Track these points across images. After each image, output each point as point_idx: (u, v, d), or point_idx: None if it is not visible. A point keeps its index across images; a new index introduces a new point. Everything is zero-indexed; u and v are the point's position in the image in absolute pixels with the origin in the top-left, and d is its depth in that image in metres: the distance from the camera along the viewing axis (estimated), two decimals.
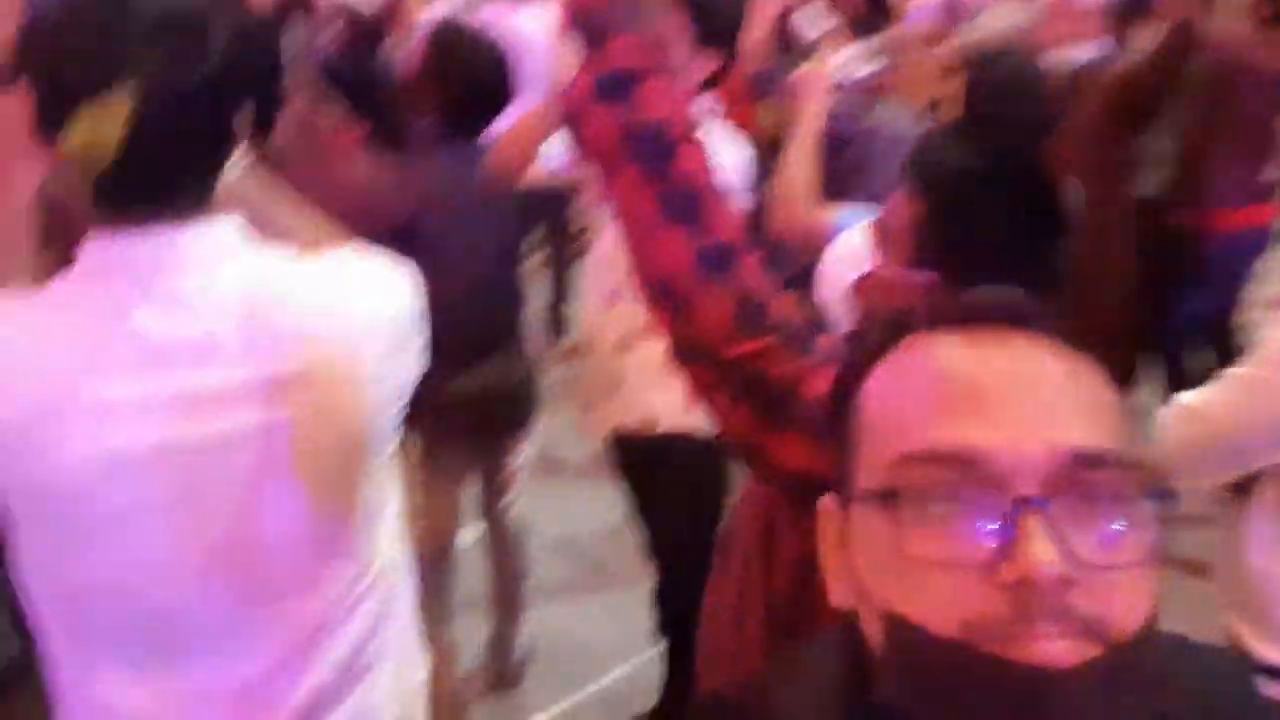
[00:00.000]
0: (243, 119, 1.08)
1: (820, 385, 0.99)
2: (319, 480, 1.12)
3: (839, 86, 2.38)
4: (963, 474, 0.55)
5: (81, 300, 1.04)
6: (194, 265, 1.05)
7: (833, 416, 0.65)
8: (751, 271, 1.00)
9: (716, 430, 1.06)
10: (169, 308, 1.03)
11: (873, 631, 0.58)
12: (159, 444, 1.03)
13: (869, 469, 0.59)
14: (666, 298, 0.99)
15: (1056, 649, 0.52)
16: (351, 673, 1.25)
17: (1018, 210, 1.06)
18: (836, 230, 1.89)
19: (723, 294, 0.97)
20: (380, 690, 1.30)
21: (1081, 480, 0.55)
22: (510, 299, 2.61)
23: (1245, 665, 0.79)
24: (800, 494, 1.02)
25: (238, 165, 1.35)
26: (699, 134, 1.03)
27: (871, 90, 2.60)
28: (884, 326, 0.64)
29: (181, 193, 1.05)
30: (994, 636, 0.52)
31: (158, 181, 1.03)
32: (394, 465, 1.28)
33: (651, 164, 0.98)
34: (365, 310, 1.14)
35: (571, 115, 1.01)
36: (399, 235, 1.64)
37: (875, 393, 0.61)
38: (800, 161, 2.10)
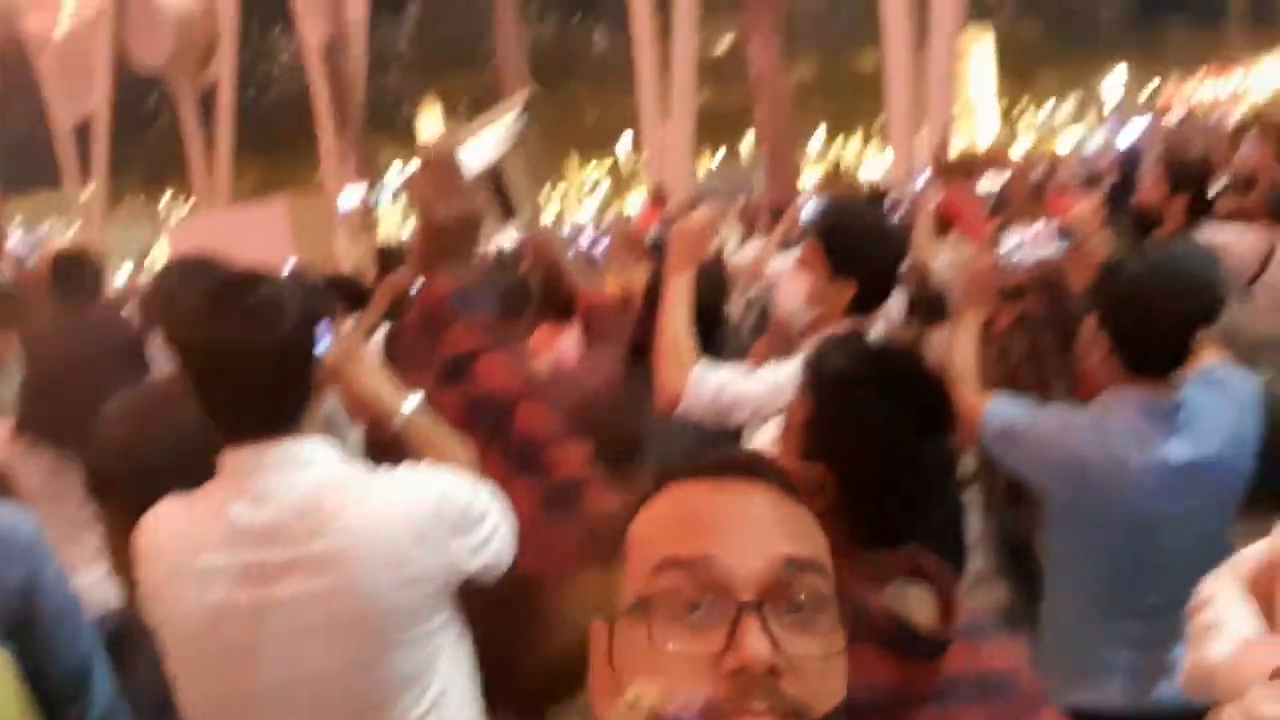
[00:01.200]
0: (315, 368, 1.51)
1: None
2: (349, 641, 1.43)
3: (1010, 267, 2.33)
4: (699, 578, 0.71)
5: (208, 495, 1.49)
6: (278, 471, 1.46)
7: (607, 556, 0.81)
8: (600, 500, 1.16)
9: None
10: (255, 501, 1.44)
11: None
12: (233, 603, 1.42)
13: (630, 584, 0.75)
14: (523, 538, 1.17)
15: None
16: None
17: (898, 411, 1.13)
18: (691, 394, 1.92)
19: (570, 525, 1.14)
20: None
21: (791, 584, 0.71)
22: None
23: None
24: None
25: (415, 404, 1.80)
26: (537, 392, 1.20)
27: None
28: (649, 480, 0.81)
29: (274, 420, 1.48)
30: (718, 715, 0.67)
31: (255, 413, 1.47)
32: (448, 645, 1.55)
33: (494, 428, 1.17)
34: (402, 510, 1.46)
35: (427, 398, 1.23)
36: None
37: (639, 527, 0.78)
38: (674, 323, 2.06)
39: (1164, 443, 1.85)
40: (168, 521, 1.52)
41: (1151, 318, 1.86)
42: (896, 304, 3.81)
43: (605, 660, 0.75)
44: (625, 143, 32.38)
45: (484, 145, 1.33)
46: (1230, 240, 4.13)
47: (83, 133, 28.40)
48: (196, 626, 1.45)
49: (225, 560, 1.44)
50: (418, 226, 1.27)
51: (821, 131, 34.60)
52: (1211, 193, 4.86)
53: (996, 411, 1.97)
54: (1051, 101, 37.47)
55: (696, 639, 0.69)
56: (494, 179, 1.36)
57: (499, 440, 1.19)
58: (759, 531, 0.74)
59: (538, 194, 1.41)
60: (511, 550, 1.59)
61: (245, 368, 1.44)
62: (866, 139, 34.15)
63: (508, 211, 1.39)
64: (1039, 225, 2.36)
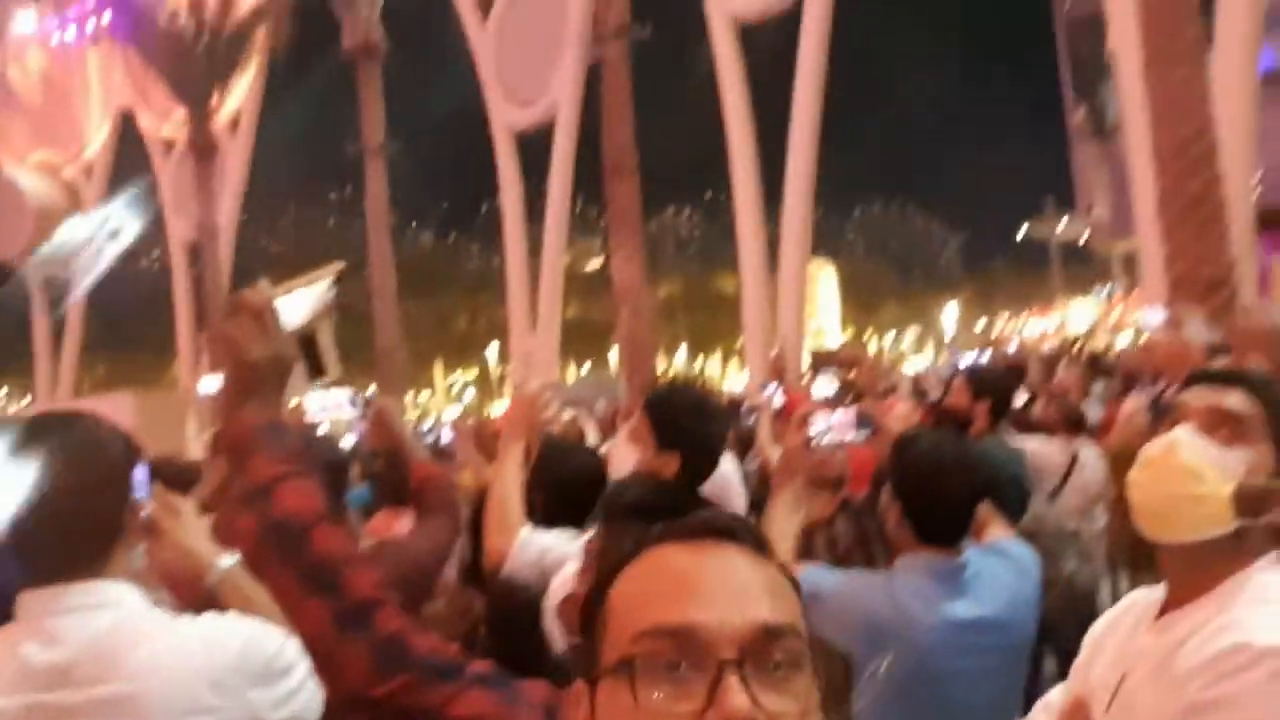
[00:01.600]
0: (131, 511, 1.51)
1: (472, 704, 1.15)
2: None
3: (818, 447, 2.49)
4: (681, 643, 0.74)
5: (6, 636, 1.43)
6: (74, 612, 1.42)
7: (585, 616, 0.83)
8: (390, 620, 1.18)
9: None
10: (47, 642, 1.40)
11: None
12: None
13: (613, 646, 0.77)
14: (315, 659, 1.19)
15: None
16: None
17: None
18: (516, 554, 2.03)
19: (361, 645, 1.15)
20: None
21: (768, 647, 0.75)
22: None
23: None
24: None
25: (231, 561, 1.79)
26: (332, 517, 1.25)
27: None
28: (631, 541, 0.84)
29: (79, 561, 1.45)
30: None
31: (60, 552, 1.44)
32: None
33: (289, 550, 1.19)
34: (201, 656, 1.44)
35: (221, 525, 1.25)
36: None
37: (621, 590, 0.80)
38: (504, 486, 2.22)
39: (950, 602, 1.98)
40: None
41: (936, 488, 2.04)
42: (739, 500, 3.95)
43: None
44: (493, 352, 32.93)
45: (295, 304, 1.40)
46: (1037, 447, 4.54)
47: None
48: None
49: (9, 702, 1.37)
50: (227, 368, 1.28)
51: (684, 350, 36.04)
52: (1018, 403, 5.38)
53: (803, 579, 2.08)
54: (894, 332, 40.32)
55: (679, 696, 0.73)
56: (304, 341, 1.43)
57: (293, 563, 1.19)
58: (738, 593, 0.77)
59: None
60: (319, 707, 1.57)
61: (54, 505, 1.43)
62: (727, 357, 35.78)
63: (317, 371, 1.47)
64: (843, 412, 2.56)
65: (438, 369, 34.73)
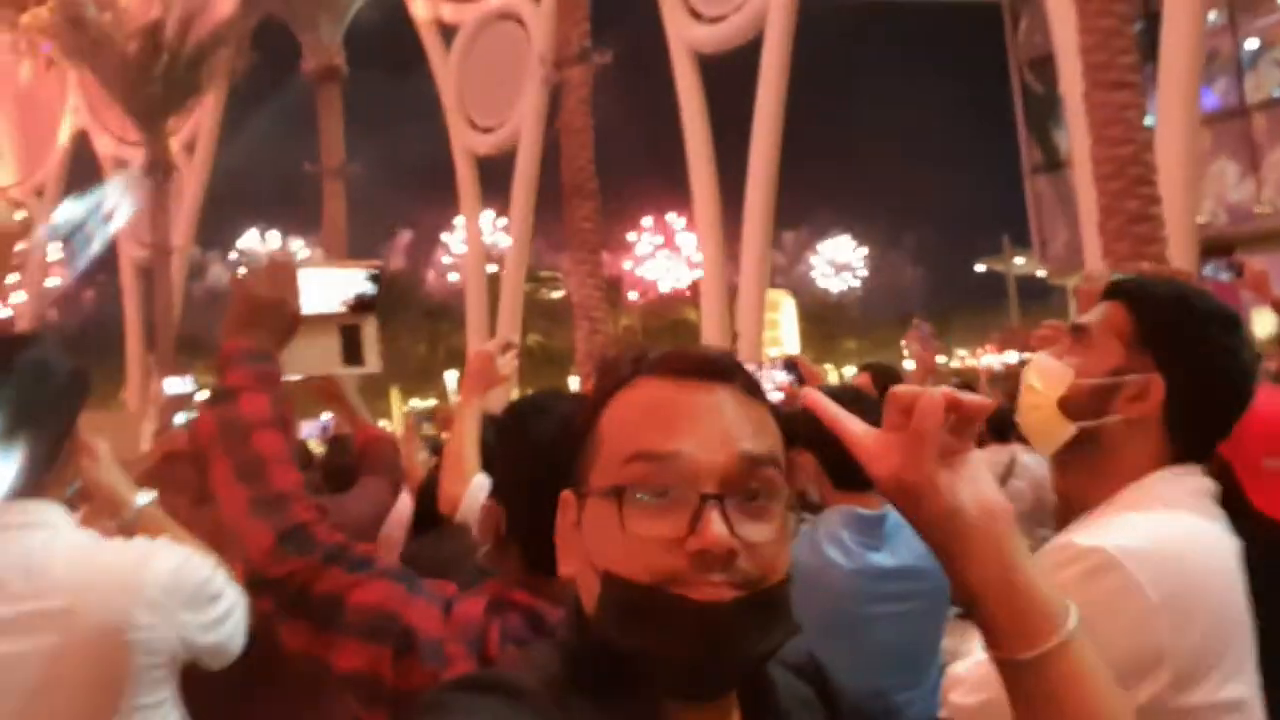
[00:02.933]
0: (66, 436, 1.52)
1: (372, 591, 1.17)
2: (60, 704, 1.39)
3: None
4: (666, 470, 0.78)
5: None
6: (7, 529, 1.44)
7: (579, 435, 0.87)
8: (303, 513, 1.24)
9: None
10: None
11: (591, 590, 0.80)
12: None
13: (601, 470, 0.82)
14: (231, 541, 1.24)
15: (719, 591, 0.76)
16: None
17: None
18: (468, 500, 2.07)
19: (267, 527, 1.21)
20: None
21: (749, 477, 0.79)
22: None
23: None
24: (357, 696, 1.15)
25: (147, 500, 1.78)
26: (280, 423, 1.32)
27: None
28: (624, 367, 0.87)
29: (15, 480, 1.46)
30: (678, 583, 0.76)
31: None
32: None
33: (232, 442, 1.27)
34: (134, 575, 1.46)
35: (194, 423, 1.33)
36: None
37: (611, 415, 0.84)
38: (461, 439, 2.27)
39: (869, 551, 2.00)
40: None
41: None
42: None
43: (573, 527, 0.84)
44: (452, 379, 32.77)
45: (322, 281, 1.46)
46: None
47: None
48: None
49: None
50: (235, 302, 1.38)
51: None
52: None
53: None
54: (853, 367, 40.74)
55: (662, 523, 0.77)
56: (348, 330, 1.49)
57: (232, 453, 1.26)
58: (723, 429, 0.81)
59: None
60: (243, 637, 1.56)
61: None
62: None
63: (355, 360, 1.51)
64: (772, 356, 2.60)
65: (394, 396, 34.45)
